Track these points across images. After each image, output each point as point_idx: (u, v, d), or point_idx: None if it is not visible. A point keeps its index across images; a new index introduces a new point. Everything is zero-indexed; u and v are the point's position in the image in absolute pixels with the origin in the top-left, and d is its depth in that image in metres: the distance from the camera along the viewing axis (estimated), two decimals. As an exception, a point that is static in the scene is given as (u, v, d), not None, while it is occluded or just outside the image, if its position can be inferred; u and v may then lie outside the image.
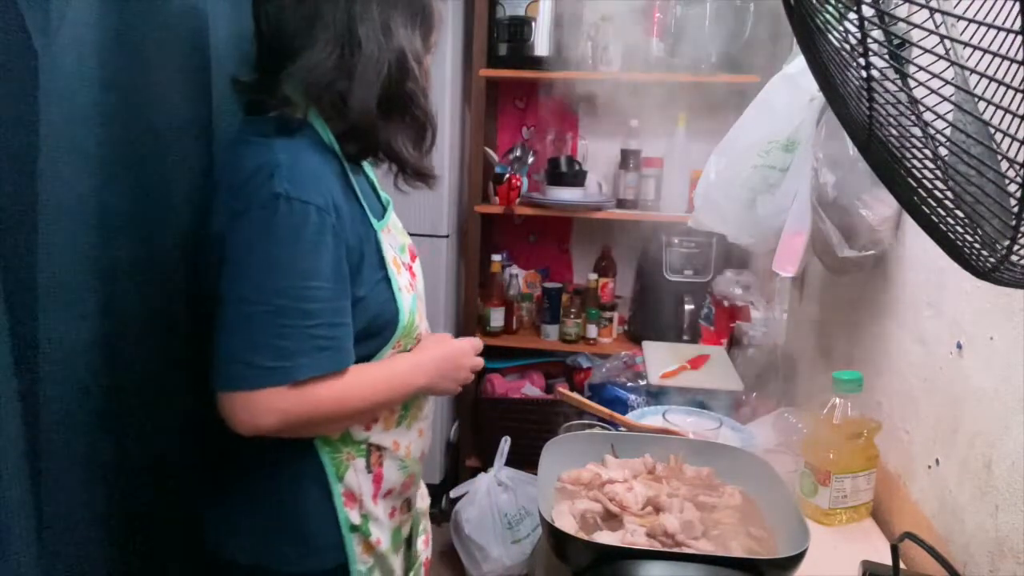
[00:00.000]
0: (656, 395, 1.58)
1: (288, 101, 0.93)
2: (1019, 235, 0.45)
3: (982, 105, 0.43)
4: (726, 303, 2.00)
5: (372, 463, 1.00)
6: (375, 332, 0.97)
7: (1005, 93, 0.41)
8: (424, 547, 1.20)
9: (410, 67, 0.95)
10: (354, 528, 0.98)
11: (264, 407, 0.85)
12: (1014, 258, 0.47)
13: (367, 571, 1.01)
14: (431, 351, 1.04)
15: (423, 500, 1.21)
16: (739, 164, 1.39)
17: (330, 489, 0.97)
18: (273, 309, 0.85)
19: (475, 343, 1.11)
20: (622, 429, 1.28)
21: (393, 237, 1.04)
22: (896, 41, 0.47)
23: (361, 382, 0.93)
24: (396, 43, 0.93)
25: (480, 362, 1.12)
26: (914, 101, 0.47)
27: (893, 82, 0.47)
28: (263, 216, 0.85)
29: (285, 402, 0.86)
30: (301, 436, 0.94)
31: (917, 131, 0.49)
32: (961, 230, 0.52)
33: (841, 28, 0.48)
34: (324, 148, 0.94)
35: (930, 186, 0.52)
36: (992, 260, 0.50)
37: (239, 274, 0.86)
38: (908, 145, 0.51)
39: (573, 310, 2.46)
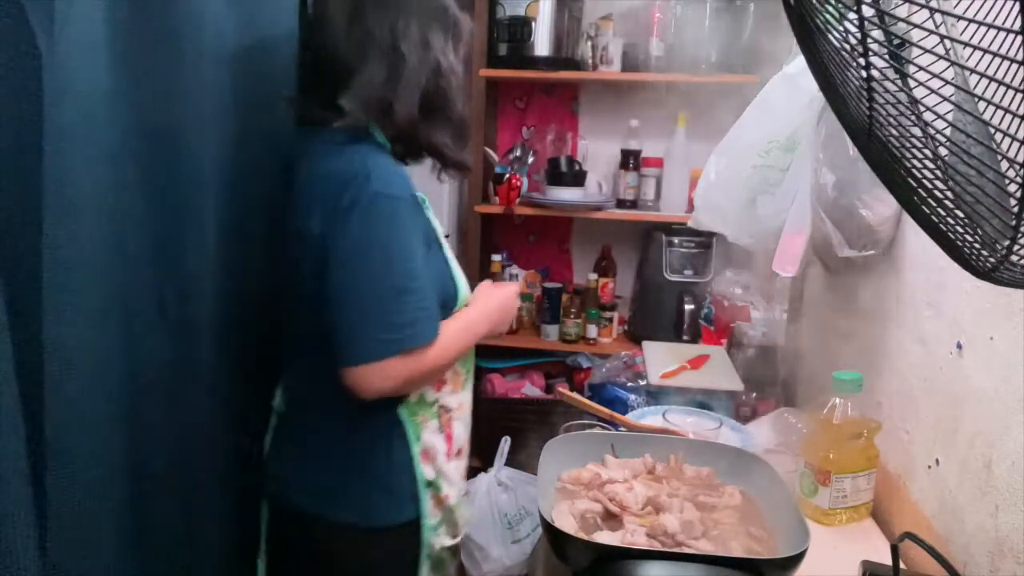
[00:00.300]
0: (656, 395, 1.58)
1: (344, 112, 1.04)
2: (1019, 235, 0.45)
3: (982, 105, 0.43)
4: (726, 303, 2.00)
5: (443, 424, 1.13)
6: (442, 305, 1.10)
7: (1005, 93, 0.41)
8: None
9: (445, 74, 1.08)
10: (429, 484, 1.11)
11: (386, 374, 1.00)
12: (1014, 258, 0.47)
13: (436, 524, 1.12)
14: (486, 300, 1.20)
15: None
16: (739, 164, 1.39)
17: (410, 449, 1.09)
18: (385, 289, 0.99)
19: (517, 288, 1.28)
20: (622, 429, 1.28)
21: (437, 225, 1.16)
22: (896, 41, 0.47)
23: (446, 341, 1.06)
24: (433, 55, 1.06)
25: (519, 303, 1.30)
26: (914, 101, 0.47)
27: (893, 82, 0.47)
28: (368, 213, 0.99)
29: (403, 367, 1.01)
30: (406, 393, 1.07)
31: (917, 131, 0.49)
32: (961, 230, 0.52)
33: (841, 28, 0.48)
34: (384, 150, 1.07)
35: (930, 186, 0.52)
36: (992, 260, 0.50)
37: (352, 263, 0.99)
38: (908, 145, 0.51)
39: (573, 310, 2.46)
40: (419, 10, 1.05)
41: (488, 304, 1.20)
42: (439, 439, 1.12)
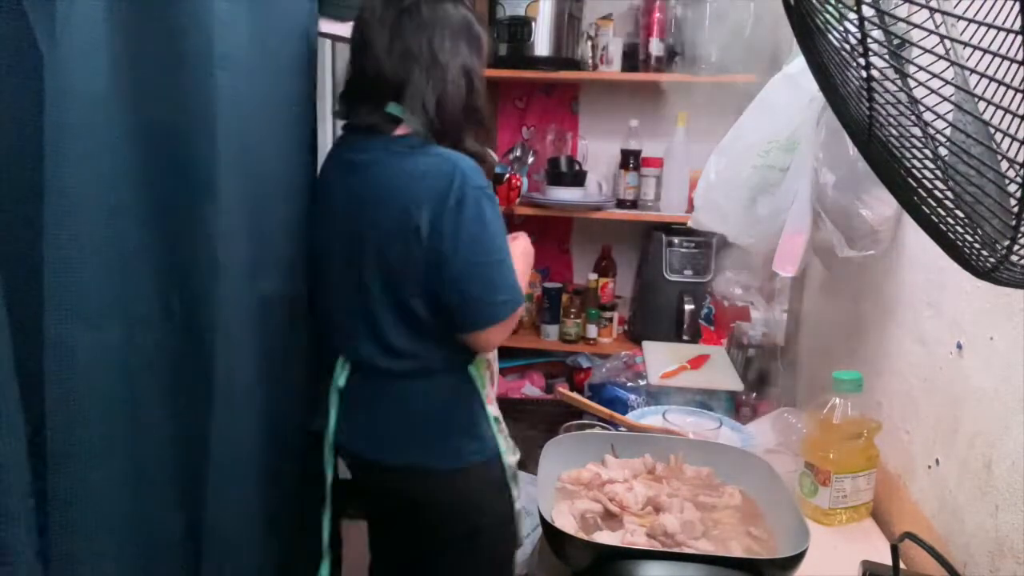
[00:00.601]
0: (656, 395, 1.58)
1: (396, 120, 1.20)
2: (1019, 235, 0.45)
3: (982, 105, 0.43)
4: (726, 303, 2.00)
5: (490, 372, 1.33)
6: None
7: (1005, 93, 0.41)
8: None
9: (475, 81, 1.27)
10: (495, 420, 1.30)
11: (505, 330, 1.22)
12: (1014, 258, 0.47)
13: (506, 450, 1.30)
14: (519, 254, 1.35)
15: None
16: (739, 164, 1.39)
17: (481, 397, 1.28)
18: (498, 264, 1.19)
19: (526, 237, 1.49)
20: (622, 429, 1.28)
21: None
22: (896, 41, 0.47)
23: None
24: (463, 64, 1.23)
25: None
26: (914, 101, 0.47)
27: (893, 82, 0.47)
28: (475, 206, 1.16)
29: (512, 322, 1.22)
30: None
31: (917, 131, 0.49)
32: (961, 230, 0.52)
33: (841, 28, 0.48)
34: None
35: (930, 186, 0.52)
36: (992, 260, 0.50)
37: (472, 248, 1.16)
38: (908, 145, 0.51)
39: (573, 310, 2.46)
40: (449, 27, 1.22)
41: (522, 250, 1.40)
42: (488, 385, 1.33)
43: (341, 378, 1.28)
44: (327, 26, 1.43)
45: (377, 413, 1.28)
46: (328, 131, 1.40)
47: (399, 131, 1.21)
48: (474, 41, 1.28)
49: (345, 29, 1.50)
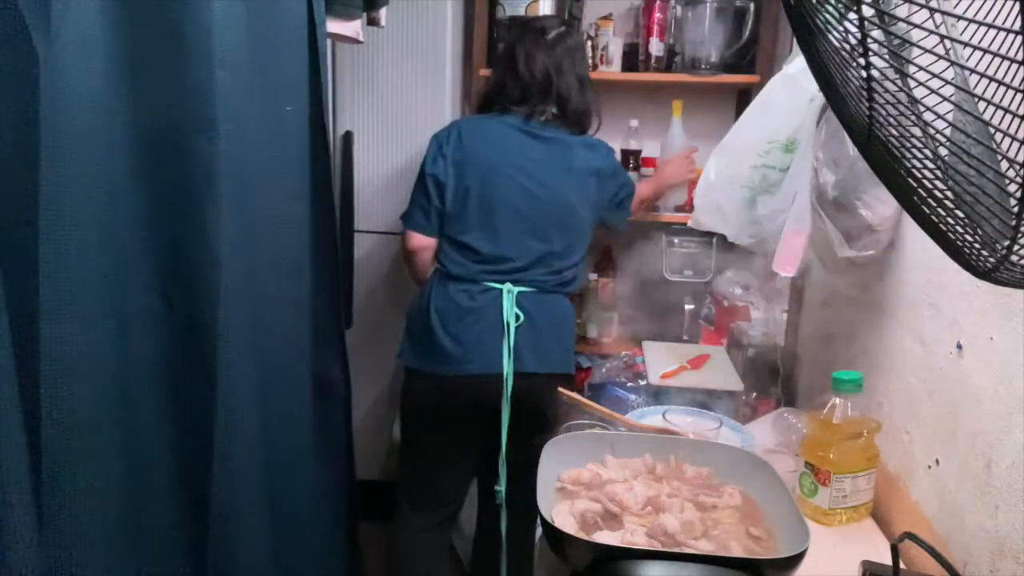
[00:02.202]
0: (656, 395, 1.58)
1: (548, 113, 1.77)
2: (1019, 235, 0.45)
3: (982, 105, 0.43)
4: (726, 303, 2.00)
5: None
6: None
7: (1005, 93, 0.41)
8: None
9: (591, 86, 1.83)
10: None
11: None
12: (1014, 258, 0.47)
13: None
14: (660, 168, 2.22)
15: None
16: (739, 164, 1.39)
17: None
18: (629, 196, 1.94)
19: (683, 155, 2.20)
20: (622, 429, 1.28)
21: None
22: (896, 41, 0.47)
23: None
24: (586, 75, 1.82)
25: (688, 168, 2.20)
26: (914, 101, 0.47)
27: (893, 82, 0.47)
28: (620, 167, 1.93)
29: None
30: None
31: (917, 131, 0.49)
32: (961, 230, 0.52)
33: (841, 28, 0.48)
34: None
35: (930, 186, 0.52)
36: (992, 260, 0.50)
37: (621, 191, 1.90)
38: (908, 145, 0.51)
39: (573, 310, 2.45)
40: (578, 50, 1.83)
41: (660, 172, 2.20)
42: None
43: (519, 313, 1.66)
44: (334, 26, 1.43)
45: (542, 333, 1.70)
46: (328, 126, 1.40)
47: (571, 126, 1.78)
48: (587, 57, 1.92)
49: (351, 28, 1.50)
